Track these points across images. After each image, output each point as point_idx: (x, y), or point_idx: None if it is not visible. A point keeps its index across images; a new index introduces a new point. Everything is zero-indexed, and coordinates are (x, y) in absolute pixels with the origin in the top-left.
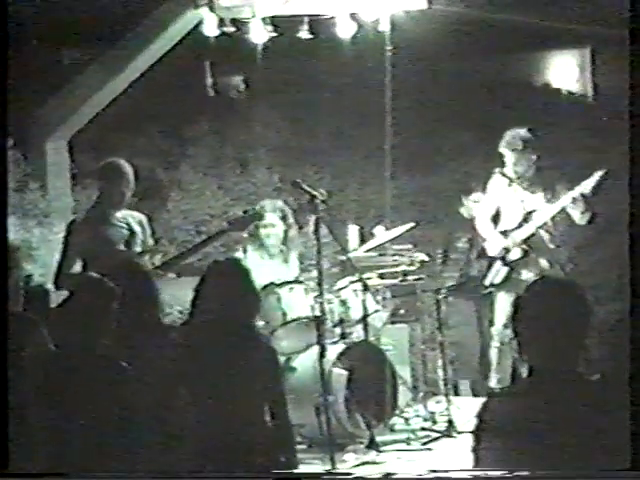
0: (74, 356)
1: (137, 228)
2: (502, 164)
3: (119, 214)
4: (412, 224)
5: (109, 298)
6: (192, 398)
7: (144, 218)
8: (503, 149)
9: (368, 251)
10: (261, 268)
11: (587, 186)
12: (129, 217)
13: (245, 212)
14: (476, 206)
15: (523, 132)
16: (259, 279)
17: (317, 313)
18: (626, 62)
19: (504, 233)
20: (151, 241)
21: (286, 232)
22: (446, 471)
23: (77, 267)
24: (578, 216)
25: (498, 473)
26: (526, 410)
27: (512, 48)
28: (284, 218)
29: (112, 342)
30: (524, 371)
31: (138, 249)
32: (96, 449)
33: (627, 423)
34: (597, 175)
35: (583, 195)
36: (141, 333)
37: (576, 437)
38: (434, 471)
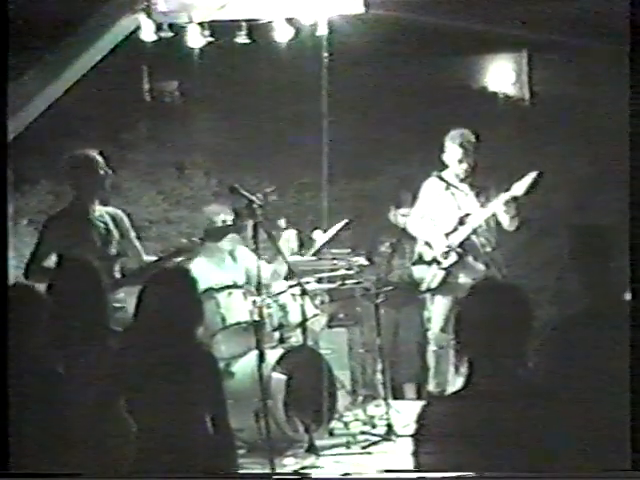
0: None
1: (113, 226)
2: (442, 166)
3: (97, 211)
4: (346, 220)
5: (39, 304)
6: (132, 404)
7: (122, 214)
8: (452, 144)
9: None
10: (210, 272)
11: (519, 188)
12: (105, 214)
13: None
14: (404, 219)
15: (469, 132)
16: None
17: (256, 318)
18: (562, 66)
19: (440, 237)
20: (135, 241)
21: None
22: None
23: (51, 262)
24: (507, 221)
25: (504, 473)
26: (466, 413)
27: (449, 52)
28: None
29: (49, 348)
30: (463, 374)
31: (114, 250)
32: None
33: (627, 423)
34: (529, 177)
35: (515, 198)
36: (83, 338)
37: (516, 439)
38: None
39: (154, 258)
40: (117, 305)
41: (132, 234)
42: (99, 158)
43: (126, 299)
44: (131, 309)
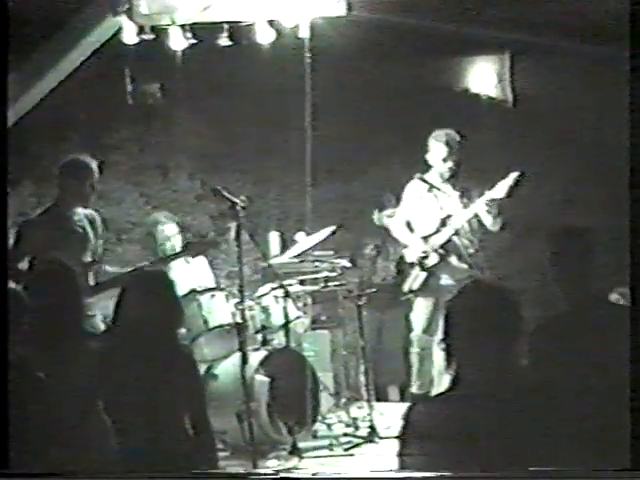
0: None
1: (90, 231)
2: (425, 167)
3: (77, 215)
4: (333, 227)
5: (19, 306)
6: (112, 407)
7: (96, 216)
8: (437, 143)
9: (291, 258)
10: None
11: (500, 189)
12: (84, 218)
13: (203, 237)
14: (389, 220)
15: (453, 131)
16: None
17: (238, 320)
18: (544, 68)
19: (422, 238)
20: (100, 243)
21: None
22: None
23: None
24: (490, 221)
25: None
26: (452, 415)
27: (432, 54)
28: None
29: (29, 351)
30: (450, 375)
31: (88, 256)
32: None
33: (627, 423)
34: (510, 178)
35: (495, 199)
36: (62, 341)
37: (501, 443)
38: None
39: (115, 269)
40: (89, 313)
41: (101, 242)
42: (95, 168)
43: (95, 308)
44: (100, 318)
